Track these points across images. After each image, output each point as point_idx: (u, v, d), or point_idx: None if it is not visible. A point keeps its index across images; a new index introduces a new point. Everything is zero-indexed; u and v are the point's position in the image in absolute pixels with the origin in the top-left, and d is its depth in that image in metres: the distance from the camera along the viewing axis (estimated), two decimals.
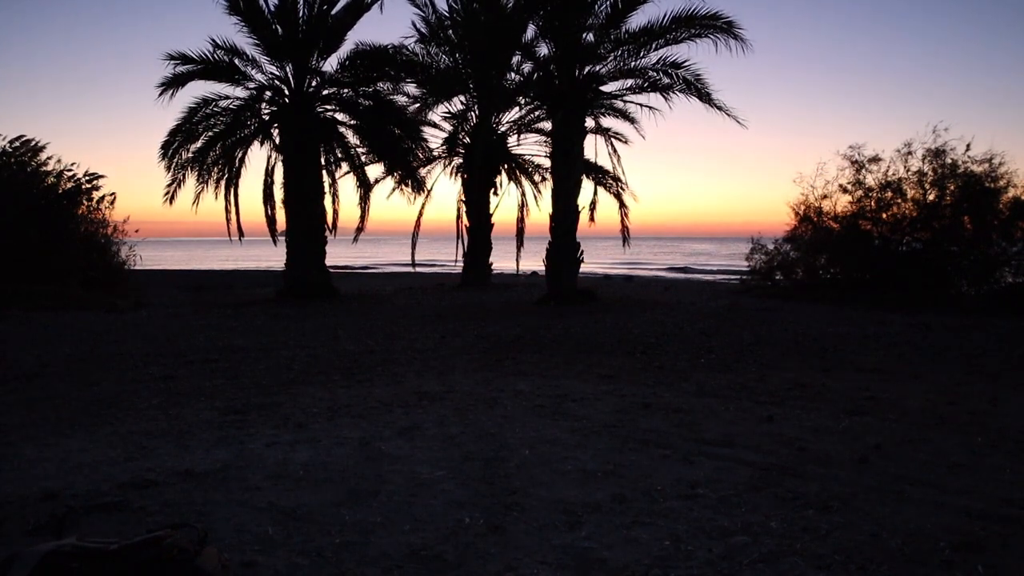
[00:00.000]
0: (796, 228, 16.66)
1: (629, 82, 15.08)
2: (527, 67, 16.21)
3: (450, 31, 18.61)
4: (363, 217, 18.22)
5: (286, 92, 16.03)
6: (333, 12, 15.61)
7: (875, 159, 15.47)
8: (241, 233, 16.91)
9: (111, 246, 15.42)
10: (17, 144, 14.74)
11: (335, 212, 17.26)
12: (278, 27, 15.54)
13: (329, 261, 16.74)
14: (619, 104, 16.69)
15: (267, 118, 16.38)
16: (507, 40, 14.89)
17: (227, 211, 16.64)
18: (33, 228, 13.56)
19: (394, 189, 18.10)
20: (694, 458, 4.24)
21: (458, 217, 20.53)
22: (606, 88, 15.52)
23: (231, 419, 5.15)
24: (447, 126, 20.38)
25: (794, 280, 16.36)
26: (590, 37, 14.51)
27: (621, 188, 18.94)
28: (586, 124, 15.29)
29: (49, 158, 15.02)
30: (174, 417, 5.23)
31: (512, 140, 20.23)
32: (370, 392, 6.11)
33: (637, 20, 14.32)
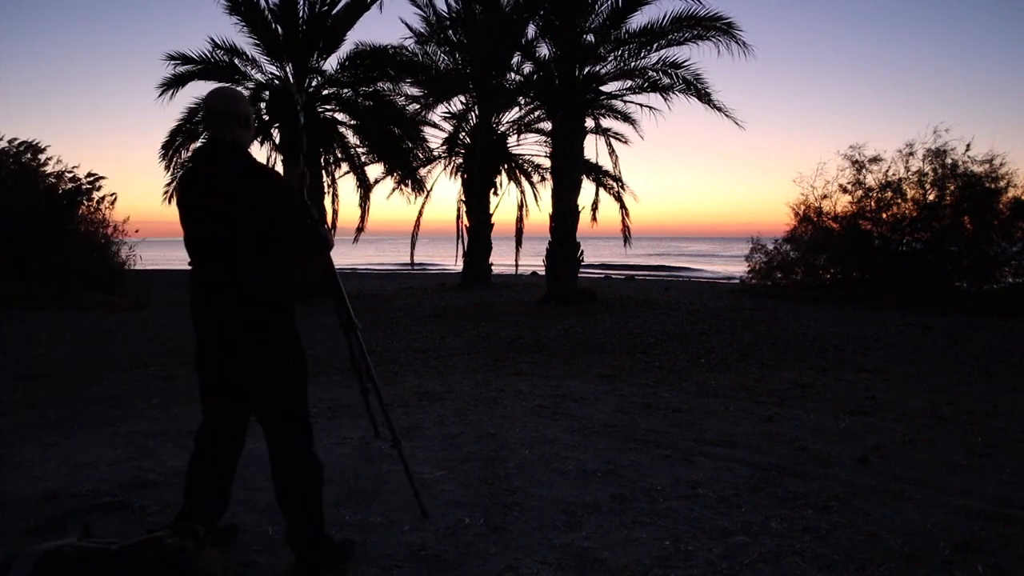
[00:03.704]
0: (796, 228, 16.67)
1: (629, 82, 15.08)
2: (527, 67, 16.23)
3: (450, 31, 18.62)
4: (363, 217, 18.24)
5: None
6: (333, 12, 15.63)
7: (875, 159, 15.49)
8: None
9: (111, 246, 15.38)
10: (19, 146, 14.73)
11: (335, 212, 17.26)
12: (278, 27, 15.54)
13: None
14: (619, 104, 16.73)
15: (267, 118, 16.39)
16: (507, 40, 14.90)
17: None
18: (33, 228, 13.54)
19: (394, 189, 18.12)
20: (694, 458, 4.24)
21: (458, 217, 20.55)
22: (606, 88, 15.54)
23: None
24: (447, 126, 20.42)
25: (794, 280, 16.36)
26: (590, 37, 14.51)
27: (621, 188, 18.98)
28: (586, 124, 15.30)
29: (49, 159, 15.02)
30: (174, 417, 5.23)
31: (512, 140, 20.26)
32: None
33: (638, 20, 14.35)
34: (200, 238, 2.65)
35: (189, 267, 2.70)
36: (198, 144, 15.96)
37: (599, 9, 14.19)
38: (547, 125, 18.23)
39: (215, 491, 2.83)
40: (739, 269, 21.43)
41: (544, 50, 15.12)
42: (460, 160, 20.34)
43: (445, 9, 18.37)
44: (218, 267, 2.61)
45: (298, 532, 2.71)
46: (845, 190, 15.78)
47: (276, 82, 15.79)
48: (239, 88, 16.24)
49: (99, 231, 15.41)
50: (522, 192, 21.03)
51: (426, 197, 20.12)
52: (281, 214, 2.58)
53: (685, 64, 14.10)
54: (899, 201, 15.16)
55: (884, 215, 15.33)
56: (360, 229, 18.30)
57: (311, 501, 2.73)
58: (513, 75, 17.34)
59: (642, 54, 14.29)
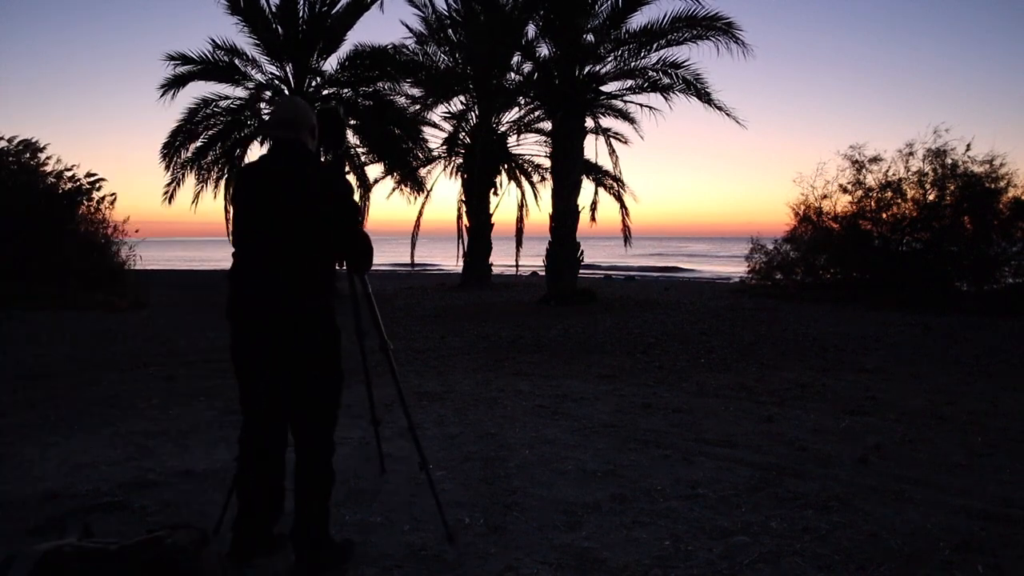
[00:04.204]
0: (796, 228, 16.68)
1: (629, 82, 15.11)
2: (527, 67, 16.25)
3: (450, 31, 18.61)
4: (363, 217, 18.19)
5: (286, 92, 16.03)
6: (333, 12, 15.63)
7: (876, 159, 15.49)
8: None
9: (111, 246, 15.38)
10: (20, 145, 14.73)
11: None
12: (278, 27, 15.55)
13: None
14: (619, 104, 16.74)
15: (267, 118, 16.37)
16: (507, 40, 14.90)
17: (226, 211, 16.65)
18: (33, 228, 13.55)
19: (394, 189, 18.14)
20: (694, 458, 4.24)
21: (458, 217, 20.55)
22: (606, 88, 15.55)
23: (231, 419, 5.15)
24: (447, 126, 20.42)
25: (794, 280, 16.36)
26: (590, 37, 14.52)
27: (621, 188, 18.98)
28: (586, 124, 15.30)
29: (48, 158, 15.03)
30: (174, 417, 5.23)
31: (512, 140, 20.26)
32: (371, 389, 6.10)
33: (637, 20, 14.34)
34: (259, 231, 2.67)
35: (233, 258, 2.72)
36: (198, 144, 16.01)
37: (599, 9, 14.21)
38: (547, 125, 18.26)
39: (266, 496, 2.82)
40: (739, 269, 21.43)
41: (544, 50, 15.15)
42: (460, 160, 20.34)
43: (445, 9, 18.39)
44: (273, 260, 2.63)
45: (302, 531, 2.71)
46: (845, 190, 15.80)
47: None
48: (238, 88, 16.25)
49: (99, 231, 15.41)
50: (522, 192, 21.05)
51: (426, 197, 20.14)
52: (344, 220, 2.68)
53: (685, 64, 14.14)
54: (899, 201, 15.17)
55: (884, 215, 15.34)
56: None
57: (323, 503, 2.76)
58: (513, 75, 17.37)
59: (642, 54, 14.32)
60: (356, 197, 2.84)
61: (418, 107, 18.77)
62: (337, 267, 2.87)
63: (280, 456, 2.84)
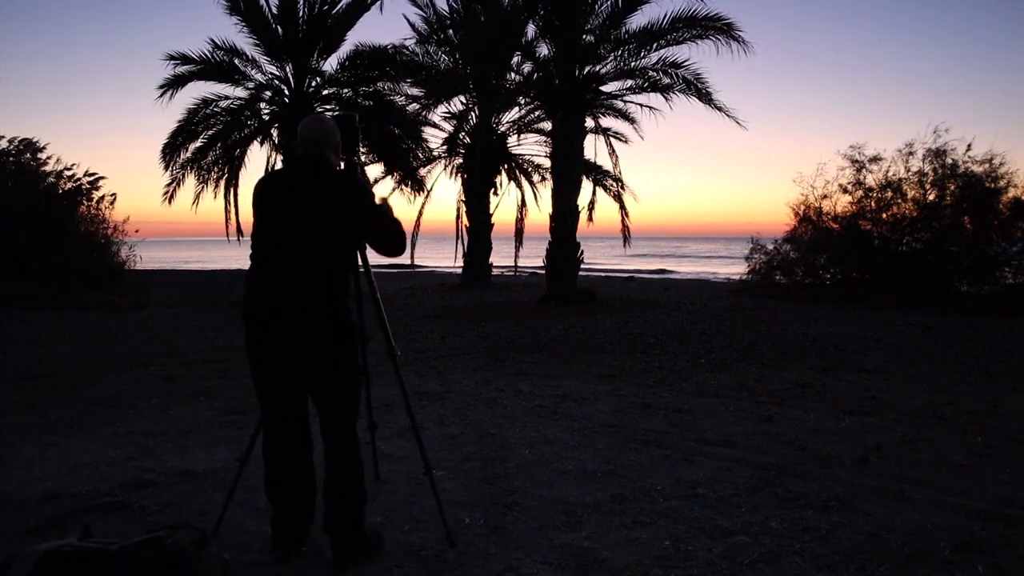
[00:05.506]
0: (796, 228, 16.66)
1: (629, 82, 15.09)
2: (527, 67, 16.23)
3: (450, 31, 18.61)
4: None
5: (286, 92, 16.03)
6: (333, 12, 15.62)
7: (876, 159, 15.48)
8: (241, 233, 16.92)
9: (111, 246, 15.38)
10: (20, 145, 14.74)
11: None
12: (278, 27, 15.53)
13: None
14: (619, 104, 16.70)
15: (267, 118, 16.38)
16: (507, 40, 14.90)
17: (227, 211, 16.67)
18: (33, 228, 13.55)
19: (394, 189, 18.11)
20: (694, 458, 4.24)
21: (458, 217, 20.54)
22: (606, 88, 15.53)
23: (231, 419, 5.15)
24: (447, 126, 20.39)
25: (794, 280, 16.36)
26: (590, 37, 14.51)
27: (621, 188, 18.96)
28: (586, 124, 15.29)
29: (48, 158, 15.03)
30: (174, 417, 5.23)
31: (512, 140, 20.23)
32: (369, 392, 6.09)
33: (637, 20, 14.34)
34: (268, 235, 2.76)
35: (252, 260, 2.79)
36: (198, 144, 16.03)
37: (599, 9, 14.20)
38: (547, 125, 18.23)
39: (295, 499, 2.87)
40: (739, 269, 21.41)
41: (544, 50, 15.13)
42: (460, 160, 20.33)
43: (446, 9, 18.39)
44: (279, 263, 2.72)
45: (335, 530, 2.77)
46: (845, 190, 15.79)
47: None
48: (238, 88, 16.24)
49: (99, 231, 15.42)
50: (522, 192, 21.03)
51: (426, 197, 20.12)
52: (354, 218, 2.75)
53: (685, 64, 14.12)
54: (899, 201, 15.15)
55: (884, 215, 15.32)
56: None
57: (355, 498, 2.80)
58: (513, 75, 17.35)
59: (642, 54, 14.30)
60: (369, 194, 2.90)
61: (418, 107, 18.76)
62: (353, 264, 2.91)
63: (303, 459, 2.89)
